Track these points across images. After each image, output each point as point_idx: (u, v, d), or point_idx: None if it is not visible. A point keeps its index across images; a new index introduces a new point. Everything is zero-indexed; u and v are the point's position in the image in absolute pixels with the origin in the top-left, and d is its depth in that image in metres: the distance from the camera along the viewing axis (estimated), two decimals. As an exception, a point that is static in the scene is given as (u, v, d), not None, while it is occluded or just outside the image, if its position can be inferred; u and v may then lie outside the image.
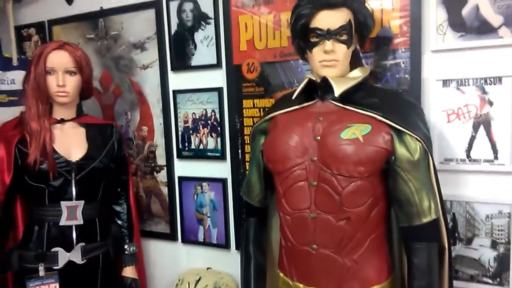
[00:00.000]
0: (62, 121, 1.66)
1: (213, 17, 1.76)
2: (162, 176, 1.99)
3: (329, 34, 1.22)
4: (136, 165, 2.03)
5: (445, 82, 1.38)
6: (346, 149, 1.19)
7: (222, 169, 1.83)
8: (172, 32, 1.86)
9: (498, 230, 1.35)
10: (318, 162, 1.24)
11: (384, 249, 1.27)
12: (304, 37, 1.28)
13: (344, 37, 1.24)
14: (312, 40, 1.25)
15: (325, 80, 1.26)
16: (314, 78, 1.30)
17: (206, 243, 1.90)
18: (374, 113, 1.20)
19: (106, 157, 1.70)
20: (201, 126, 1.86)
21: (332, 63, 1.25)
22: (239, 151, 1.77)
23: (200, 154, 1.88)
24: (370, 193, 1.21)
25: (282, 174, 1.30)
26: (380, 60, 1.46)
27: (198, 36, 1.81)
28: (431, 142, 1.22)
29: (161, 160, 1.98)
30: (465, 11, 1.33)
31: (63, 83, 1.58)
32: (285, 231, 1.32)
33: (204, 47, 1.80)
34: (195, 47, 1.82)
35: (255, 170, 1.47)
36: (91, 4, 2.05)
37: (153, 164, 2.00)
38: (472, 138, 1.36)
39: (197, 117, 1.86)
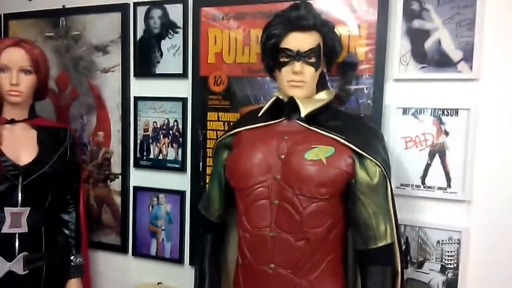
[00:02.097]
0: (12, 121, 1.56)
1: (181, 27, 1.73)
2: (116, 184, 1.91)
3: (299, 56, 1.24)
4: (88, 171, 1.94)
5: (405, 110, 1.43)
6: (309, 170, 1.20)
7: (181, 181, 1.79)
8: (138, 38, 1.81)
9: (448, 256, 1.40)
10: (281, 181, 1.24)
11: (340, 271, 1.28)
12: (273, 56, 1.29)
13: (313, 60, 1.25)
14: (281, 59, 1.26)
15: (292, 99, 1.27)
16: (281, 97, 1.30)
17: (159, 257, 1.84)
18: (338, 136, 1.22)
19: (57, 162, 1.60)
20: (161, 136, 1.81)
21: (300, 84, 1.26)
22: (200, 163, 1.74)
23: (159, 165, 1.83)
24: (330, 215, 1.22)
25: (244, 191, 1.29)
26: (344, 85, 1.49)
27: (165, 44, 1.77)
28: (390, 168, 1.25)
29: (116, 168, 1.90)
30: (428, 44, 1.39)
31: (16, 81, 1.48)
32: (243, 249, 1.30)
33: (171, 56, 1.77)
34: (161, 55, 1.78)
35: (216, 185, 1.44)
36: (53, 1, 1.95)
37: (107, 172, 1.92)
38: (428, 166, 1.42)
39: (158, 126, 1.81)
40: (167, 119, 1.80)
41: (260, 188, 1.26)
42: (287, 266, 1.23)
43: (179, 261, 1.80)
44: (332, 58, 1.33)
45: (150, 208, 1.85)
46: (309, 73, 1.26)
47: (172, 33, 1.76)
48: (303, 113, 1.25)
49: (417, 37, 1.40)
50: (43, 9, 1.98)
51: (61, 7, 1.94)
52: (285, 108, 1.30)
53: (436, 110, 1.40)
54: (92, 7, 1.88)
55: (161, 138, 1.82)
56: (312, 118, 1.27)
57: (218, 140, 1.46)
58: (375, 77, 1.45)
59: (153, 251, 1.85)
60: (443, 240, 1.41)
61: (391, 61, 1.44)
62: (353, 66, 1.47)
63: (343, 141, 1.22)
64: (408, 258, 1.44)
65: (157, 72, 1.80)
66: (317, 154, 1.22)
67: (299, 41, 1.24)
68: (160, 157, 1.82)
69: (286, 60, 1.26)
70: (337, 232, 1.25)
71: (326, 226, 1.22)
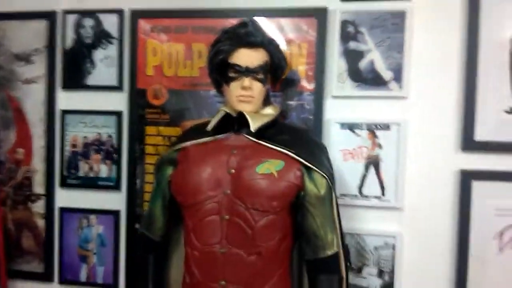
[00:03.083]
0: None
1: (117, 37, 1.66)
2: (38, 206, 1.73)
3: (248, 72, 1.26)
4: (6, 193, 1.74)
5: (343, 125, 1.52)
6: (261, 184, 1.21)
7: (115, 200, 1.68)
8: (67, 47, 1.69)
9: (384, 260, 1.50)
10: (231, 195, 1.23)
11: (289, 284, 1.30)
12: (221, 71, 1.29)
13: (261, 76, 1.28)
14: (230, 75, 1.27)
15: (241, 114, 1.28)
16: (229, 111, 1.31)
17: (90, 283, 1.70)
18: (287, 150, 1.26)
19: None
20: (93, 152, 1.70)
21: (249, 99, 1.28)
22: (138, 181, 1.65)
23: (89, 183, 1.70)
24: (281, 228, 1.24)
25: (192, 207, 1.25)
26: (286, 100, 1.55)
27: (98, 54, 1.68)
28: (334, 179, 1.32)
29: (39, 188, 1.73)
30: (362, 64, 1.51)
31: None
32: (191, 267, 1.26)
33: (104, 67, 1.67)
34: (93, 66, 1.68)
35: (160, 202, 1.38)
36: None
37: (28, 193, 1.74)
38: (364, 176, 1.52)
39: (89, 141, 1.70)
40: (99, 133, 1.69)
41: (210, 204, 1.24)
42: (238, 281, 1.21)
43: (114, 286, 1.68)
44: (278, 75, 1.37)
45: (79, 230, 1.71)
46: (257, 89, 1.28)
47: (106, 43, 1.67)
48: (252, 128, 1.27)
49: (352, 57, 1.51)
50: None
51: (-26, 10, 1.74)
52: (234, 122, 1.31)
53: (371, 125, 1.51)
54: (14, 14, 1.71)
55: (92, 154, 1.70)
56: (261, 132, 1.29)
57: (161, 156, 1.41)
58: (315, 94, 1.52)
59: (83, 277, 1.70)
60: (379, 246, 1.51)
61: (330, 79, 1.53)
62: (294, 83, 1.54)
63: (292, 154, 1.25)
64: (349, 264, 1.51)
65: (88, 84, 1.69)
66: (268, 168, 1.23)
67: (248, 57, 1.26)
68: (91, 174, 1.70)
69: (235, 75, 1.27)
70: (287, 245, 1.27)
71: (277, 240, 1.23)
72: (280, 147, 1.26)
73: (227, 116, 1.31)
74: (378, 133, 1.50)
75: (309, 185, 1.25)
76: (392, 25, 1.48)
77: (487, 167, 1.44)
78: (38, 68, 1.71)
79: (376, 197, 1.51)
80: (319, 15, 1.51)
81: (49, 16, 1.69)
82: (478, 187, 1.44)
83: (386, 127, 1.50)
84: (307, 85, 1.53)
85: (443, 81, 1.48)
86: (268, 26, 1.53)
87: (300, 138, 1.35)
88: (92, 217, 1.70)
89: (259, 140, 1.28)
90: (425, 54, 1.48)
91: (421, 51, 1.48)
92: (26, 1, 1.71)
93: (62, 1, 1.69)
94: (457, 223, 1.47)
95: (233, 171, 1.24)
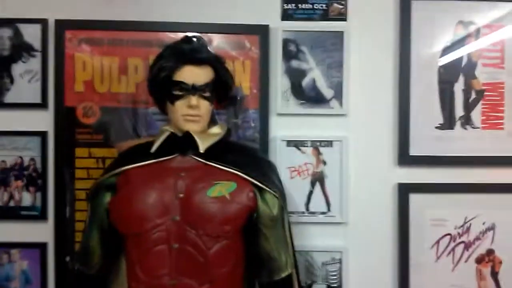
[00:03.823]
0: None
1: (40, 50, 1.49)
2: None
3: (194, 89, 1.20)
4: None
5: (288, 142, 1.52)
6: (213, 208, 1.15)
7: (40, 232, 1.50)
8: (-22, 60, 1.49)
9: (332, 275, 1.52)
10: (181, 222, 1.15)
11: (241, 310, 1.26)
12: (165, 88, 1.22)
13: (208, 94, 1.23)
14: (175, 92, 1.20)
15: (188, 134, 1.21)
16: (174, 131, 1.24)
17: (12, 329, 1.49)
18: (238, 171, 1.22)
19: None
20: (13, 178, 1.50)
21: (196, 118, 1.22)
22: (67, 208, 1.49)
23: (9, 213, 1.50)
24: (234, 253, 1.19)
25: (137, 237, 1.15)
26: (231, 118, 1.51)
27: (17, 68, 1.50)
28: (286, 198, 1.31)
29: None
30: (305, 82, 1.53)
31: None
32: (136, 303, 1.15)
33: (25, 83, 1.50)
34: (12, 81, 1.49)
35: (96, 232, 1.26)
36: None
37: None
38: (310, 193, 1.53)
39: (8, 166, 1.50)
40: (21, 157, 1.50)
41: (157, 233, 1.15)
42: (190, 314, 1.14)
43: (42, 329, 1.49)
44: (225, 92, 1.33)
45: (-2, 268, 1.49)
46: (204, 107, 1.23)
47: (27, 56, 1.49)
48: (201, 148, 1.21)
49: (295, 75, 1.52)
50: None
51: None
52: (180, 143, 1.24)
53: (315, 142, 1.53)
54: None
55: (12, 180, 1.50)
56: (209, 153, 1.23)
57: (97, 181, 1.28)
58: (260, 112, 1.51)
59: (3, 322, 1.49)
60: (326, 261, 1.52)
61: (274, 96, 1.52)
62: (239, 101, 1.51)
63: (243, 175, 1.21)
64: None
65: (6, 102, 1.50)
66: (220, 190, 1.18)
67: (194, 74, 1.21)
68: (11, 203, 1.50)
69: (180, 93, 1.20)
70: (240, 271, 1.23)
71: (230, 265, 1.18)
72: (230, 168, 1.22)
73: (172, 136, 1.24)
74: (322, 149, 1.53)
75: (261, 206, 1.22)
76: (332, 45, 1.52)
77: (422, 180, 1.53)
78: None
79: (322, 212, 1.53)
80: (262, 33, 1.50)
81: (-45, 24, 1.47)
82: (415, 199, 1.52)
83: (329, 144, 1.53)
84: (252, 103, 1.51)
85: (379, 98, 1.55)
86: (210, 42, 1.48)
87: (250, 157, 1.32)
88: (14, 252, 1.50)
89: (208, 161, 1.22)
90: (362, 72, 1.54)
91: (358, 70, 1.54)
92: None
93: (-28, 7, 1.49)
94: (397, 234, 1.54)
95: (181, 195, 1.17)
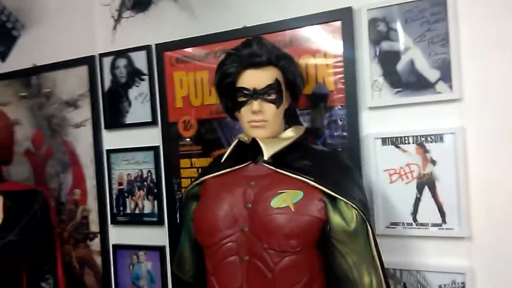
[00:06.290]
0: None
1: (147, 73, 1.66)
2: (95, 244, 1.80)
3: (256, 94, 1.13)
4: (68, 232, 1.84)
5: (384, 140, 1.29)
6: (276, 220, 1.06)
7: (159, 236, 1.66)
8: (106, 89, 1.75)
9: (453, 303, 1.21)
10: (249, 233, 1.10)
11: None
12: (231, 96, 1.18)
13: (273, 96, 1.14)
14: (239, 99, 1.16)
15: (254, 141, 1.15)
16: (245, 139, 1.19)
17: (144, 321, 1.69)
18: (305, 178, 1.09)
19: (25, 228, 1.51)
20: (136, 188, 1.71)
21: (261, 123, 1.15)
22: (178, 215, 1.61)
23: (136, 219, 1.71)
24: (306, 269, 1.07)
25: (211, 248, 1.15)
26: (316, 118, 1.37)
27: (133, 92, 1.70)
28: (369, 209, 1.10)
29: (94, 226, 1.80)
30: (400, 66, 1.26)
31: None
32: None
33: (139, 104, 1.69)
34: (130, 104, 1.71)
35: (187, 242, 1.31)
36: (24, 60, 1.93)
37: (86, 231, 1.82)
38: (418, 200, 1.26)
39: (132, 178, 1.72)
40: (141, 170, 1.70)
41: (228, 244, 1.12)
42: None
43: (165, 324, 1.65)
44: (295, 91, 1.21)
45: (131, 267, 1.72)
46: (270, 111, 1.14)
47: (138, 80, 1.69)
48: (266, 156, 1.13)
49: (387, 59, 1.28)
50: (15, 69, 1.96)
51: (31, 65, 1.91)
52: (249, 151, 1.18)
53: (419, 137, 1.25)
54: (60, 63, 1.83)
55: (136, 190, 1.71)
56: (280, 159, 1.14)
57: (186, 191, 1.34)
58: (347, 107, 1.32)
59: (138, 315, 1.70)
60: (445, 285, 1.22)
61: (362, 88, 1.31)
62: (323, 98, 1.35)
63: (312, 182, 1.08)
64: (404, 309, 1.26)
65: (127, 122, 1.72)
66: (284, 200, 1.08)
67: (255, 78, 1.14)
68: (137, 211, 1.71)
69: (244, 99, 1.15)
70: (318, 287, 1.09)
71: (303, 283, 1.06)
72: (298, 174, 1.10)
73: (242, 144, 1.20)
74: (429, 146, 1.23)
75: (334, 218, 1.06)
76: (432, 15, 1.21)
77: None
78: (84, 112, 1.80)
79: (435, 224, 1.24)
80: (344, 17, 1.32)
81: (88, 61, 1.77)
82: None
83: (438, 138, 1.22)
84: (338, 98, 1.34)
85: (506, 73, 1.16)
86: (287, 39, 1.38)
87: (325, 162, 1.17)
88: (141, 253, 1.71)
89: (277, 167, 1.14)
90: (477, 44, 1.19)
91: (472, 42, 1.19)
92: (69, 49, 1.81)
93: (98, 45, 1.76)
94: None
95: (249, 205, 1.12)
